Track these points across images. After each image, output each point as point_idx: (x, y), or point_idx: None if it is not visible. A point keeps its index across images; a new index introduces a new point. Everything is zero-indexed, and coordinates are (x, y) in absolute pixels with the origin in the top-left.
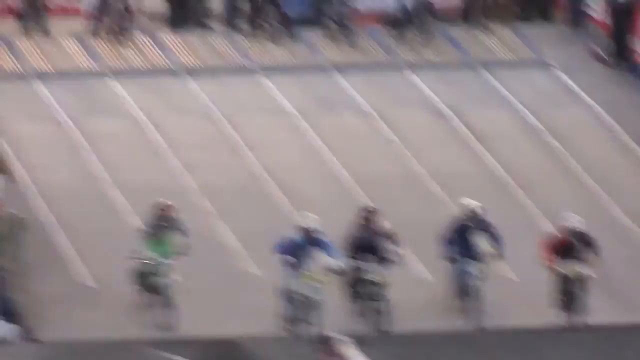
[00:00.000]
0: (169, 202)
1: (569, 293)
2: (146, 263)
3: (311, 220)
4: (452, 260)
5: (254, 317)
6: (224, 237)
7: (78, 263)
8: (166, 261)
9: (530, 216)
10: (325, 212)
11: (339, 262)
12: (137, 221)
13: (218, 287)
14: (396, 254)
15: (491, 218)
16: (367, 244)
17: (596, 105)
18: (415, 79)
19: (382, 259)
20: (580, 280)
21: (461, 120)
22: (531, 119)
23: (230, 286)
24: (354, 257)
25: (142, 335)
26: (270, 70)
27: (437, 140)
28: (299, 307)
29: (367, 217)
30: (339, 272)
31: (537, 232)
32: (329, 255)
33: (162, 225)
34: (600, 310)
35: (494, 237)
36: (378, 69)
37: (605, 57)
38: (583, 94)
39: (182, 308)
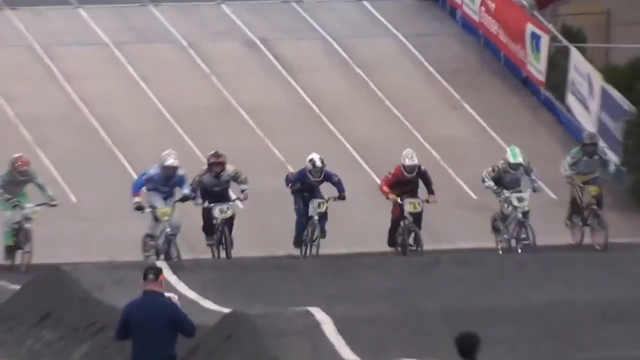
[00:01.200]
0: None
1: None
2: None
3: (172, 158)
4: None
5: (74, 244)
6: (42, 165)
7: None
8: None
9: (343, 146)
10: (141, 143)
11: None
12: None
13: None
14: (244, 193)
15: (309, 148)
16: (214, 187)
17: (402, 37)
18: (227, 9)
19: (229, 199)
20: (417, 214)
21: (271, 52)
22: (339, 50)
23: (49, 215)
24: (203, 201)
25: None
26: (86, 1)
27: (250, 72)
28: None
29: (215, 162)
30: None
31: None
32: (183, 189)
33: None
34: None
35: (335, 184)
36: (190, 0)
37: None
38: (389, 25)
39: None
